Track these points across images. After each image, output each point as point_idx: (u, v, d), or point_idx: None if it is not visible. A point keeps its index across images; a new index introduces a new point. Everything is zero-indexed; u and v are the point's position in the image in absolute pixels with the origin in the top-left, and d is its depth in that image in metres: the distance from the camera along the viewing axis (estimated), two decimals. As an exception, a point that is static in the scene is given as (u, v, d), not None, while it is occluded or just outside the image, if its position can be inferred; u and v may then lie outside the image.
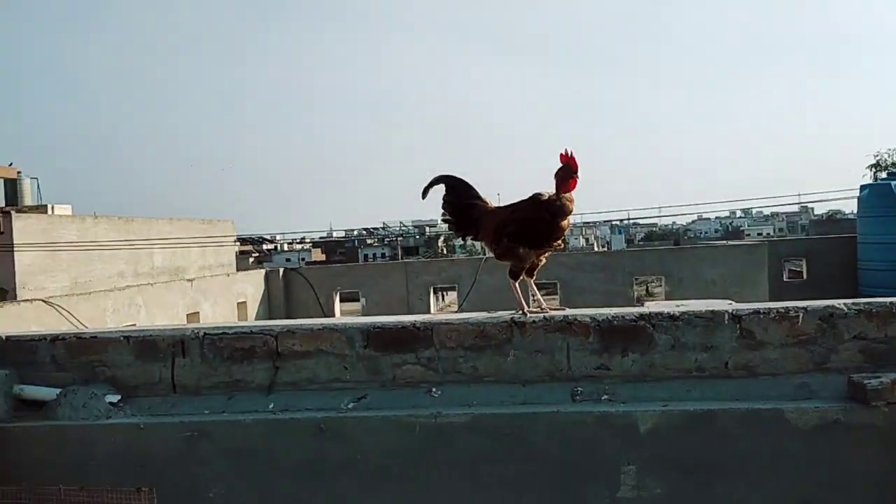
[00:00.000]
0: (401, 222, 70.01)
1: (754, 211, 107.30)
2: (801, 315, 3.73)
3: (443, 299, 31.03)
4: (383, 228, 67.86)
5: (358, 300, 21.43)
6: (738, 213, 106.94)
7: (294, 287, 21.20)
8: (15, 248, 14.13)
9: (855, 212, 23.56)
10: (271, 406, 3.90)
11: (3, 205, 18.80)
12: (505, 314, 3.94)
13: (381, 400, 3.86)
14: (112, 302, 14.10)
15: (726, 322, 3.75)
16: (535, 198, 3.85)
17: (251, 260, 45.04)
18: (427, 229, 58.51)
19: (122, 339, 4.10)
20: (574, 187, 3.86)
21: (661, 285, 21.47)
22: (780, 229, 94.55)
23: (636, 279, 21.10)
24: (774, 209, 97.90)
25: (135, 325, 13.08)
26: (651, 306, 4.32)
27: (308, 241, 64.43)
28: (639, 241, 78.12)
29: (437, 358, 3.89)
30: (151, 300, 15.30)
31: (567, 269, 19.54)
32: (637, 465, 3.58)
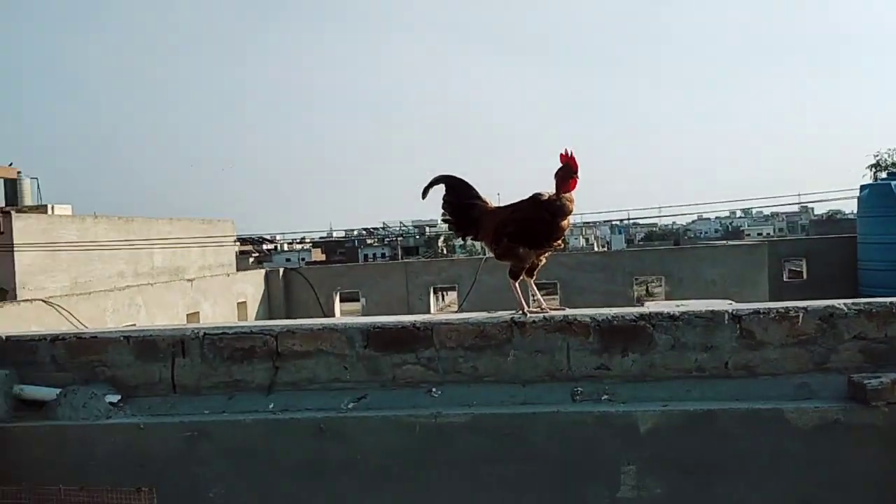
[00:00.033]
0: (401, 222, 70.05)
1: (754, 211, 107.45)
2: (801, 315, 3.73)
3: (443, 299, 31.03)
4: (383, 228, 67.87)
5: (358, 300, 21.43)
6: (738, 213, 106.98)
7: (294, 287, 21.20)
8: (15, 248, 14.13)
9: (855, 212, 23.57)
10: (271, 406, 3.90)
11: (3, 205, 18.80)
12: (505, 314, 3.94)
13: (381, 400, 3.86)
14: (112, 302, 14.10)
15: (726, 322, 3.75)
16: (535, 198, 3.85)
17: (251, 260, 45.04)
18: (427, 229, 58.51)
19: (122, 339, 4.10)
20: (574, 187, 3.86)
21: (661, 285, 21.47)
22: (780, 229, 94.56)
23: (636, 279, 21.09)
24: (774, 209, 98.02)
25: (135, 325, 13.08)
26: (651, 306, 4.32)
27: (308, 241, 64.45)
28: (639, 241, 78.11)
29: (437, 358, 3.89)
30: (151, 300, 15.30)
31: (567, 269, 19.54)
32: (637, 465, 3.58)
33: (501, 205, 4.07)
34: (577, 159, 3.83)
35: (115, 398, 3.98)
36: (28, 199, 20.30)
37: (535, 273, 4.05)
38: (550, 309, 3.99)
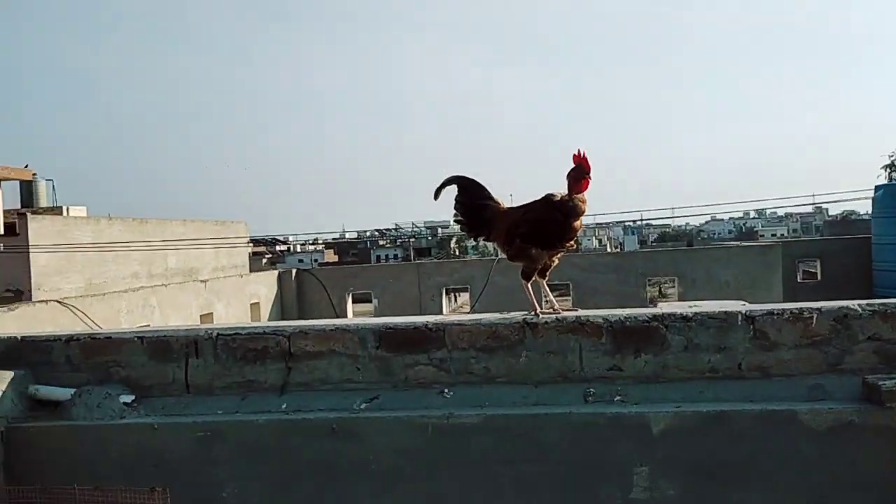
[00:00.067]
0: (413, 223, 70.11)
1: (768, 212, 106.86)
2: (815, 316, 3.71)
3: (455, 300, 31.06)
4: (396, 229, 68.01)
5: (370, 301, 21.44)
6: (752, 214, 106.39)
7: (307, 288, 21.25)
8: (30, 250, 14.25)
9: (870, 212, 23.40)
10: (284, 406, 3.92)
11: (19, 206, 18.94)
12: (517, 315, 3.94)
13: (394, 400, 3.86)
14: (126, 303, 14.17)
15: (740, 323, 3.73)
16: (548, 198, 3.85)
17: (264, 261, 45.26)
18: (439, 230, 58.61)
19: (135, 339, 4.13)
20: (587, 188, 3.85)
21: (674, 286, 21.40)
22: (794, 230, 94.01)
23: (649, 280, 21.04)
24: (788, 210, 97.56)
25: (149, 325, 13.15)
26: (664, 307, 4.31)
27: (321, 242, 64.72)
28: (652, 242, 77.92)
29: (449, 359, 3.89)
30: (165, 301, 15.37)
31: (580, 270, 19.49)
32: (650, 467, 3.57)
33: (514, 205, 4.07)
34: (589, 160, 3.82)
35: (129, 398, 4.00)
36: (43, 201, 20.45)
37: (547, 274, 4.04)
38: (563, 310, 3.99)
